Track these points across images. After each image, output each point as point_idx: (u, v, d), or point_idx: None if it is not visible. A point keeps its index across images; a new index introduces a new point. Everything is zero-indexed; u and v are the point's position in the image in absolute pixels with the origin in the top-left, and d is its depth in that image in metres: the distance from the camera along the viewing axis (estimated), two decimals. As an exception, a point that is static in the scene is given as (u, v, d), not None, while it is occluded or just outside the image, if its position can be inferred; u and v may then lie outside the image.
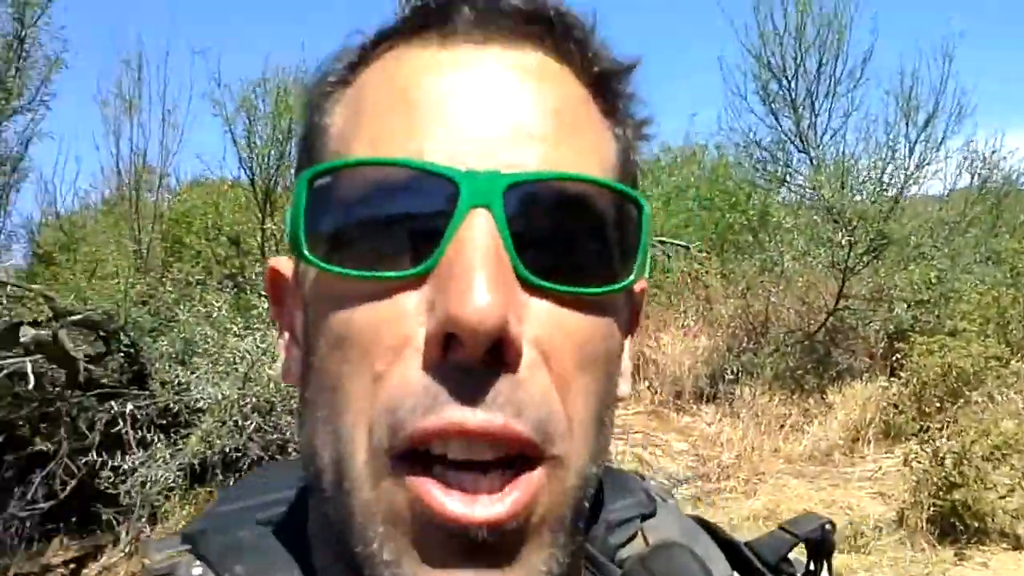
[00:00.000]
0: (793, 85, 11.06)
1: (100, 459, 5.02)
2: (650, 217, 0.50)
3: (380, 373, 0.45)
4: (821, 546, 0.67)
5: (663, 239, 9.74)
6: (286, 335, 0.58)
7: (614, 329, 0.50)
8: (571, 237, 0.47)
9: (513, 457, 0.44)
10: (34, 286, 5.27)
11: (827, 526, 0.67)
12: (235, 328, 5.68)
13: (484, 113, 0.48)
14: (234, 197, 7.30)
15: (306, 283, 0.53)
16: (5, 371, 5.13)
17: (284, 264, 0.59)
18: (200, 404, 5.31)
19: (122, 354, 5.72)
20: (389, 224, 0.47)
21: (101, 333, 5.75)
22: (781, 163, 11.33)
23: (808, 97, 11.14)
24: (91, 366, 5.51)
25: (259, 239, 6.73)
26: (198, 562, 0.55)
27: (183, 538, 0.58)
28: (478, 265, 0.42)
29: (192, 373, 5.40)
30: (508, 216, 0.44)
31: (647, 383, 7.82)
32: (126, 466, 4.96)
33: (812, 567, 0.68)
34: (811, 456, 6.77)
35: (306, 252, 0.47)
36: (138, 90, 8.52)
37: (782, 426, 7.14)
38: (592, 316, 0.47)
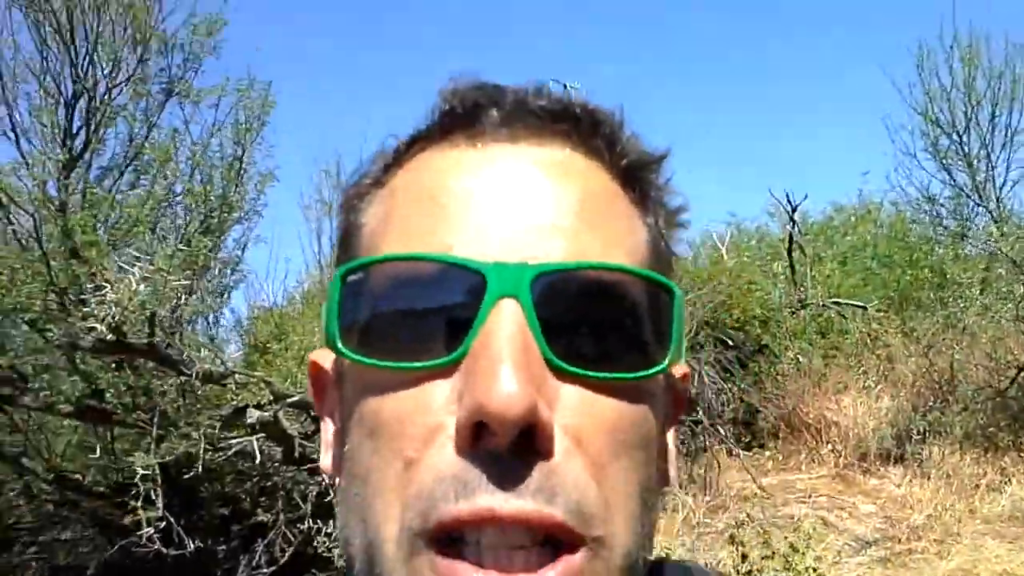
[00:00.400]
0: (965, 139, 10.91)
1: (315, 526, 5.64)
2: (683, 302, 0.51)
3: (411, 460, 0.45)
4: None
5: (839, 300, 9.69)
6: (330, 428, 0.59)
7: (649, 414, 0.50)
8: (600, 324, 0.48)
9: (551, 541, 0.44)
10: (256, 373, 6.08)
11: None
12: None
13: (510, 208, 0.49)
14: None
15: (342, 375, 0.54)
16: (233, 450, 5.92)
17: (324, 358, 0.60)
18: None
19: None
20: (419, 316, 0.48)
21: (312, 413, 6.51)
22: (959, 217, 11.05)
23: (983, 149, 10.89)
24: (304, 442, 6.25)
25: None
26: None
27: None
28: (505, 354, 0.43)
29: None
30: (535, 305, 0.45)
31: (830, 446, 7.77)
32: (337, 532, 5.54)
33: None
34: (1011, 516, 6.53)
35: (340, 345, 0.49)
36: (336, 194, 9.64)
37: (976, 486, 6.92)
38: (625, 402, 0.48)
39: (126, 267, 4.73)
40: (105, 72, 6.64)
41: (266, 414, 5.78)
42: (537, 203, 0.50)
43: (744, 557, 4.42)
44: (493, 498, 0.43)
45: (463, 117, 0.55)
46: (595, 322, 0.48)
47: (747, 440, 8.11)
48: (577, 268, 0.48)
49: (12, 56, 6.35)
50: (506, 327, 0.44)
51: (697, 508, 6.39)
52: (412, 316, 0.49)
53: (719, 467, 7.12)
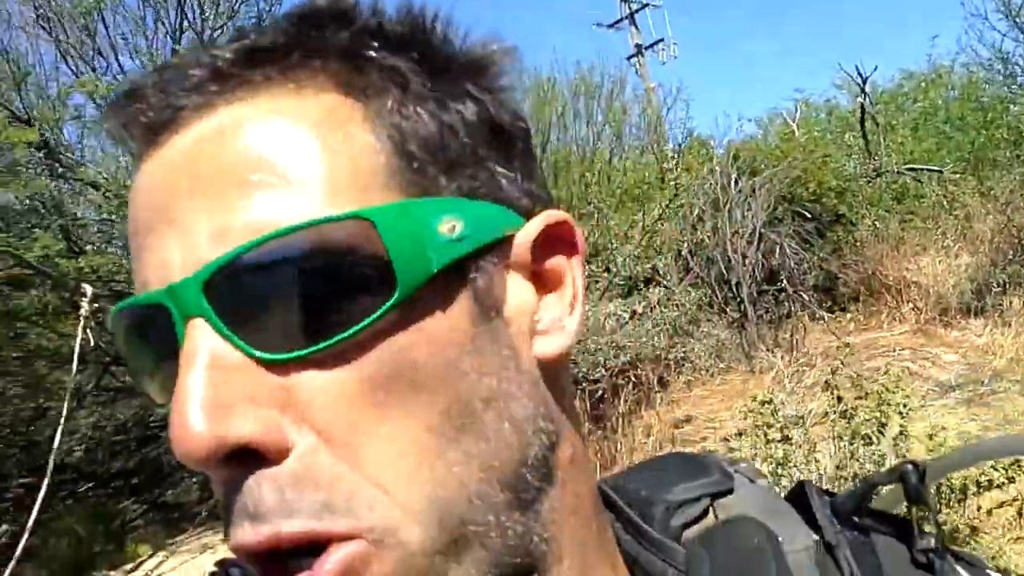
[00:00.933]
0: (1039, -8, 10.65)
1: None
2: (398, 218, 0.42)
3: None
4: (908, 491, 0.57)
5: (914, 166, 9.84)
6: None
7: (416, 344, 0.42)
8: (296, 294, 0.40)
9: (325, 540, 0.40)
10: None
11: (909, 467, 0.56)
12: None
13: (177, 213, 0.42)
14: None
15: None
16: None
17: None
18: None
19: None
20: (155, 360, 0.45)
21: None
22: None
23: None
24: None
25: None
26: None
27: None
28: (186, 387, 0.39)
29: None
30: (219, 311, 0.40)
31: (910, 304, 8.09)
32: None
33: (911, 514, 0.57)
34: (1095, 357, 6.81)
35: (145, 389, 0.48)
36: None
37: (1059, 330, 7.21)
38: (365, 356, 0.41)
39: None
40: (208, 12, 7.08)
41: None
42: (199, 192, 0.42)
43: (839, 399, 4.84)
44: (243, 531, 0.40)
45: (119, 127, 0.47)
46: (290, 296, 0.41)
47: (828, 304, 8.48)
48: (236, 256, 0.40)
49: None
50: (191, 351, 0.40)
51: (785, 367, 6.82)
52: (154, 361, 0.45)
53: (804, 330, 7.54)
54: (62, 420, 5.78)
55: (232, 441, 0.39)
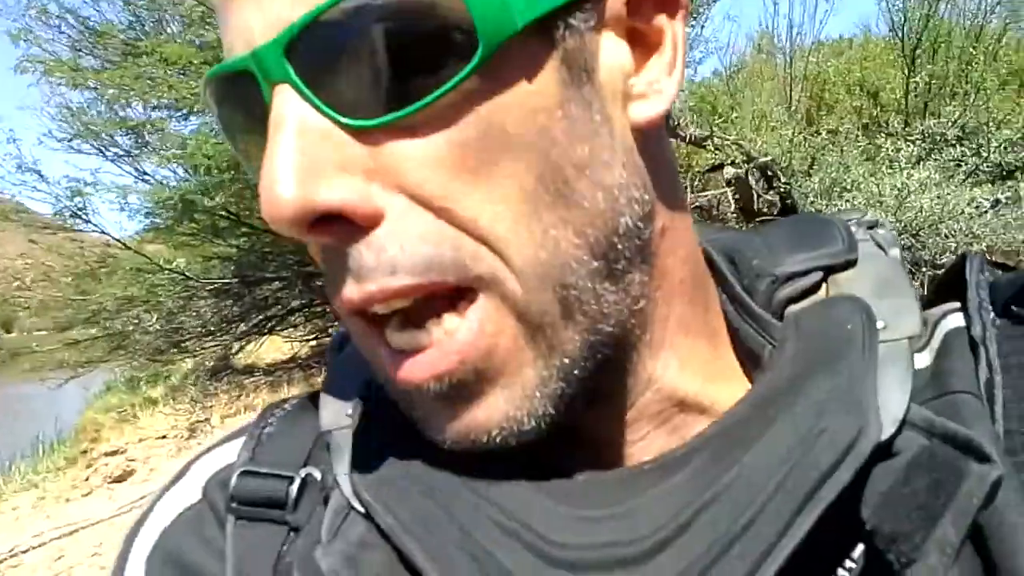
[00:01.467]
0: None
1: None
2: None
3: (313, 254, 0.45)
4: None
5: None
6: None
7: (506, 106, 0.40)
8: (379, 57, 0.39)
9: (436, 297, 0.41)
10: (731, 136, 6.88)
11: None
12: (883, 168, 6.64)
13: None
14: (880, 54, 8.11)
15: None
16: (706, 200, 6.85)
17: None
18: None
19: (779, 190, 7.09)
20: (246, 129, 0.45)
21: (768, 173, 7.20)
22: None
23: None
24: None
25: (903, 91, 7.48)
26: None
27: None
28: (272, 154, 0.39)
29: (838, 205, 6.52)
30: (303, 76, 0.39)
31: None
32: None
33: None
34: None
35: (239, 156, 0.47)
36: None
37: None
38: (455, 120, 0.40)
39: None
40: None
41: (740, 172, 6.62)
42: None
43: None
44: (348, 288, 0.41)
45: None
46: (374, 58, 0.39)
47: None
48: (317, 14, 0.39)
49: None
50: (278, 117, 0.39)
51: None
52: (244, 128, 0.45)
53: None
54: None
55: (321, 207, 0.39)
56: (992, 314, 0.50)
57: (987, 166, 6.68)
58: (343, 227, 0.40)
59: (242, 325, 9.80)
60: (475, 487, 0.45)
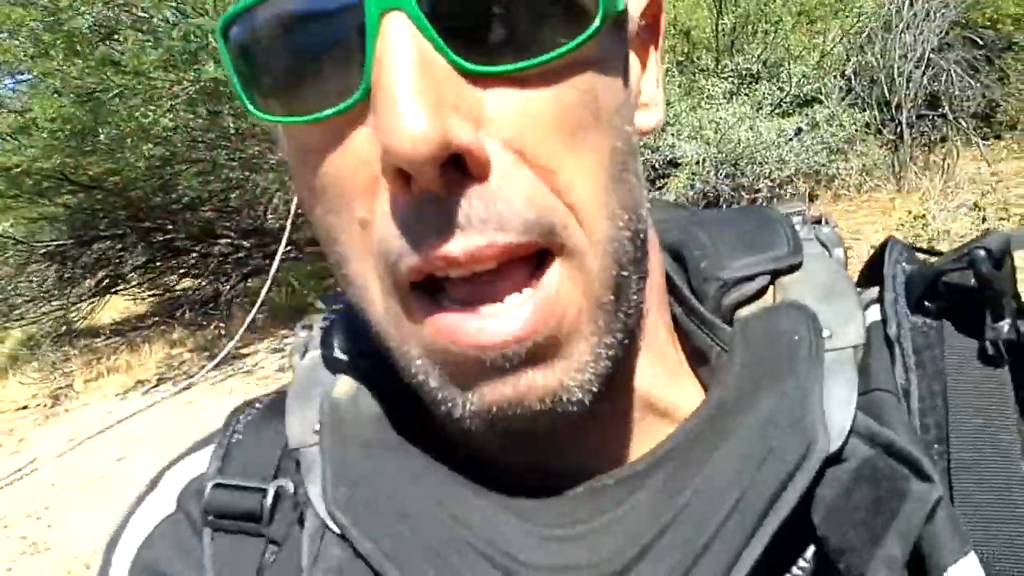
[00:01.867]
0: None
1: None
2: None
3: (365, 220, 0.42)
4: (979, 276, 0.48)
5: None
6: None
7: (601, 81, 0.43)
8: (507, 6, 0.39)
9: (520, 259, 0.41)
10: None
11: (980, 252, 0.47)
12: (702, 101, 7.36)
13: None
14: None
15: (277, 135, 0.48)
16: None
17: None
18: (679, 159, 7.13)
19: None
20: (316, 58, 0.41)
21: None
22: None
23: None
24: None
25: (712, 30, 8.20)
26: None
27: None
28: (400, 81, 0.37)
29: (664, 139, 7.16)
30: (425, 9, 0.38)
31: None
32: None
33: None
34: None
35: (252, 108, 0.43)
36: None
37: None
38: (563, 83, 0.41)
39: None
40: None
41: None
42: None
43: (984, 220, 5.42)
44: (446, 244, 0.39)
45: None
46: (502, 6, 0.39)
47: (984, 132, 8.73)
48: None
49: None
50: (397, 47, 0.37)
51: (933, 189, 7.31)
52: (308, 59, 0.41)
53: (957, 155, 7.92)
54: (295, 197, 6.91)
55: (455, 144, 0.37)
56: (906, 309, 0.50)
57: (788, 98, 7.55)
58: (454, 174, 0.39)
59: (79, 287, 9.54)
60: (447, 506, 0.45)
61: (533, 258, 0.42)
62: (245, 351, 7.33)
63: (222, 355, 6.85)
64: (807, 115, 7.43)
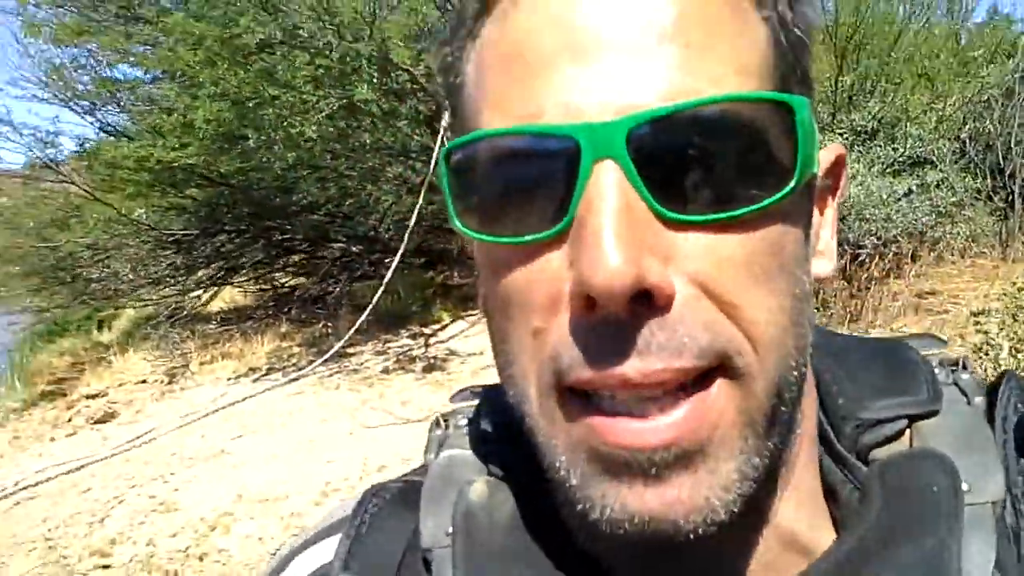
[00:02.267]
0: None
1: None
2: (807, 110, 0.45)
3: (539, 329, 0.45)
4: None
5: None
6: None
7: (785, 234, 0.46)
8: (711, 162, 0.43)
9: (687, 381, 0.43)
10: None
11: None
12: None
13: (597, 51, 0.43)
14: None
15: (474, 250, 0.52)
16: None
17: None
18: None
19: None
20: (525, 190, 0.45)
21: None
22: None
23: None
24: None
25: (831, 86, 8.31)
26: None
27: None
28: (606, 223, 0.41)
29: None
30: (635, 161, 0.42)
31: None
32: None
33: None
34: None
35: (459, 225, 0.48)
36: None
37: None
38: (752, 233, 0.44)
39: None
40: None
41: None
42: (626, 37, 0.43)
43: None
44: (622, 365, 0.42)
45: None
46: (705, 161, 0.43)
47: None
48: (675, 112, 0.42)
49: None
50: (606, 192, 0.41)
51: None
52: (517, 190, 0.45)
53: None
54: (416, 210, 7.35)
55: (646, 283, 0.41)
56: (1014, 454, 0.52)
57: (901, 158, 7.61)
58: (639, 305, 0.41)
59: (197, 275, 10.15)
60: None
61: (698, 377, 0.43)
62: (351, 351, 7.73)
63: (332, 352, 7.27)
64: (918, 176, 7.48)
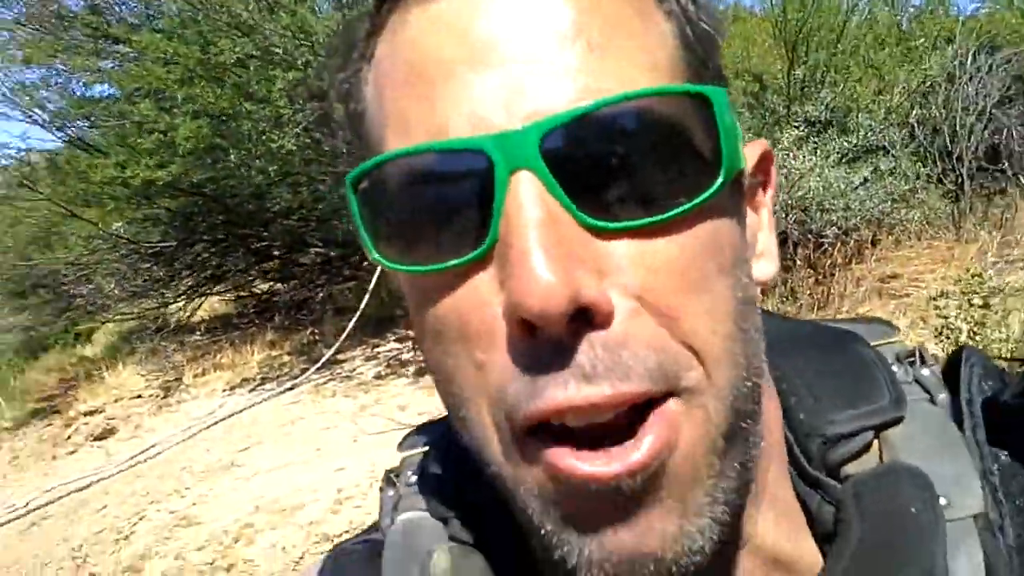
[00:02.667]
0: None
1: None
2: (724, 99, 0.43)
3: (481, 361, 0.43)
4: None
5: None
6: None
7: (720, 232, 0.44)
8: (631, 164, 0.41)
9: (640, 406, 0.41)
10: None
11: None
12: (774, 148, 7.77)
13: (500, 59, 0.42)
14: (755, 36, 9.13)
15: (400, 283, 0.50)
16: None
17: None
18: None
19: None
20: (440, 211, 0.43)
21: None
22: None
23: None
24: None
25: (784, 77, 8.65)
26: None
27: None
28: (532, 238, 0.39)
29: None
30: (552, 168, 0.40)
31: None
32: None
33: None
34: None
35: (376, 256, 0.45)
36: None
37: None
38: (684, 234, 0.42)
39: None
40: None
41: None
42: (523, 40, 0.42)
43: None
44: (566, 391, 0.40)
45: None
46: (626, 164, 0.41)
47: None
48: (587, 113, 0.40)
49: None
50: (526, 205, 0.39)
51: (991, 240, 7.70)
52: (432, 213, 0.43)
53: (1016, 209, 8.29)
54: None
55: (585, 298, 0.39)
56: (985, 440, 0.51)
57: (854, 148, 7.98)
58: (578, 324, 0.40)
59: (177, 287, 10.28)
60: None
61: (651, 401, 0.42)
62: (340, 357, 7.98)
63: (324, 359, 7.52)
64: (871, 163, 7.84)
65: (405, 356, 7.81)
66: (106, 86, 8.71)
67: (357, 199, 0.46)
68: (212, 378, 8.38)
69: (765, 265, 0.52)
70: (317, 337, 8.73)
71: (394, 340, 8.43)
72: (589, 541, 0.42)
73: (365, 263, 9.85)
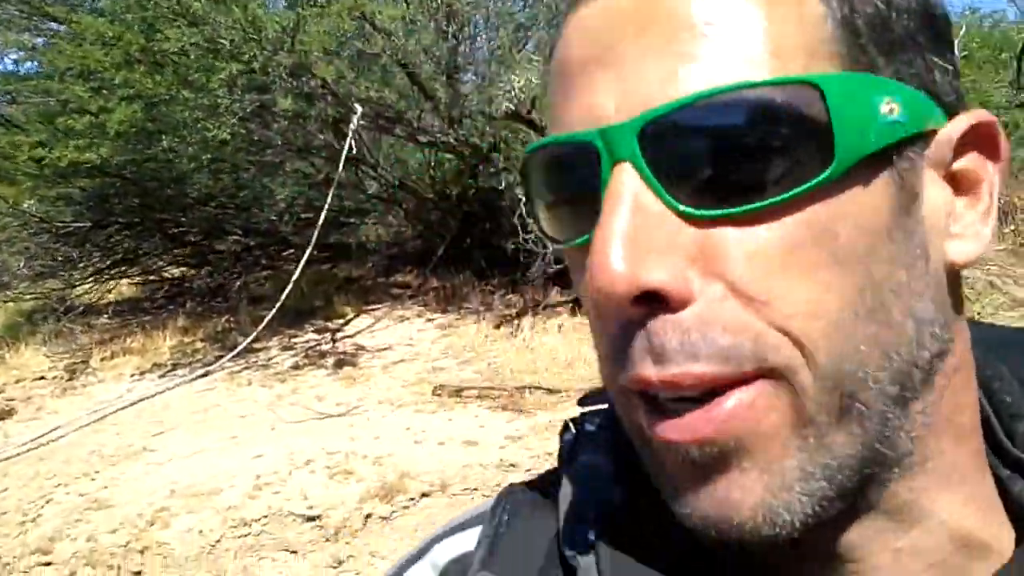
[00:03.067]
0: None
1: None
2: (849, 89, 0.42)
3: (599, 331, 0.47)
4: None
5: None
6: None
7: (841, 219, 0.42)
8: (731, 153, 0.41)
9: (724, 384, 0.42)
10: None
11: None
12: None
13: (617, 55, 0.44)
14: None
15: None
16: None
17: None
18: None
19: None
20: (569, 196, 0.48)
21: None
22: None
23: None
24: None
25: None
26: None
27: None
28: (614, 226, 0.41)
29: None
30: (650, 160, 0.42)
31: (1013, 227, 9.23)
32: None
33: None
34: None
35: (537, 227, 0.51)
36: None
37: None
38: (789, 221, 0.42)
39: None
40: None
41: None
42: (643, 34, 0.43)
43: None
44: (644, 368, 0.43)
45: None
46: (725, 153, 0.41)
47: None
48: (682, 105, 0.41)
49: None
50: (619, 195, 0.42)
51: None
52: (564, 197, 0.48)
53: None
54: (325, 207, 7.60)
55: (644, 285, 0.41)
56: None
57: None
58: (654, 305, 0.42)
59: (87, 268, 10.02)
60: None
61: (735, 381, 0.42)
62: (257, 346, 7.91)
63: (240, 347, 7.46)
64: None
65: (324, 347, 7.80)
66: (32, 64, 8.44)
67: (523, 176, 0.51)
68: (121, 362, 8.17)
69: (960, 245, 0.48)
70: (232, 325, 8.63)
71: (312, 331, 8.40)
72: (685, 504, 0.45)
73: (284, 253, 9.82)
